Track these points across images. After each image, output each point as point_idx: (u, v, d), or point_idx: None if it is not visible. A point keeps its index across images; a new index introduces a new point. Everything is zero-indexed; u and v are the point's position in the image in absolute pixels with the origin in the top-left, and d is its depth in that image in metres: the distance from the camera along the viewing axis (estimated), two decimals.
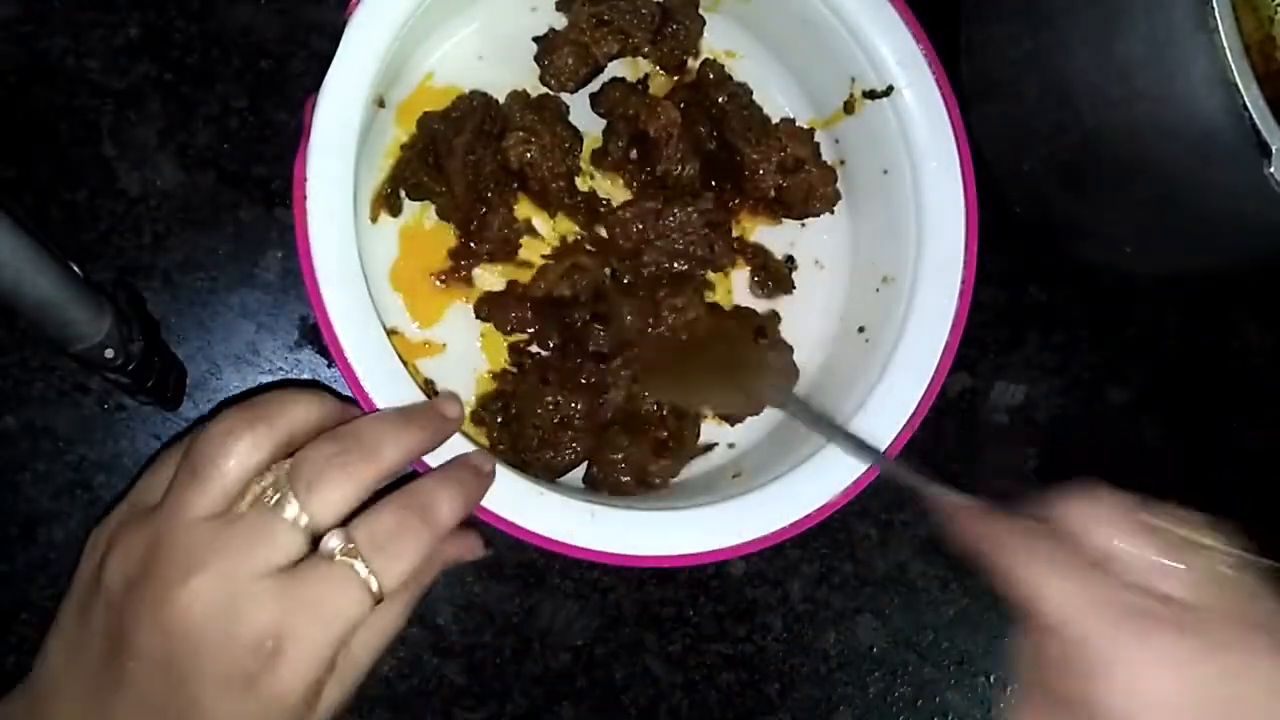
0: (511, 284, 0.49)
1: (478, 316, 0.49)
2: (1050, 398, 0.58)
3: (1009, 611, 0.32)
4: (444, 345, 0.49)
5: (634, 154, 0.51)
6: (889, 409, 0.47)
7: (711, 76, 0.51)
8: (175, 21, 0.49)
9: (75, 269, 0.40)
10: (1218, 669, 0.29)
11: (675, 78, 0.52)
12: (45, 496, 0.46)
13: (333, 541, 0.33)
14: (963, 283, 0.48)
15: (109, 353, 0.41)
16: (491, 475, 0.41)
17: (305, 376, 0.49)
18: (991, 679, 0.57)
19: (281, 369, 0.49)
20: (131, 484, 0.37)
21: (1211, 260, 0.51)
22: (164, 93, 0.48)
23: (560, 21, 0.50)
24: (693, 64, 0.52)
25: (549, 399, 0.46)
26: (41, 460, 0.46)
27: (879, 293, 0.51)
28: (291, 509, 0.33)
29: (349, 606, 0.33)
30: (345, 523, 0.34)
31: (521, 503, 0.42)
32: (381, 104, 0.46)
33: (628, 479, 0.47)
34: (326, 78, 0.42)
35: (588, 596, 0.51)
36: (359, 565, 0.33)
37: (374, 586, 0.33)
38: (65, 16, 0.48)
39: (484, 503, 0.41)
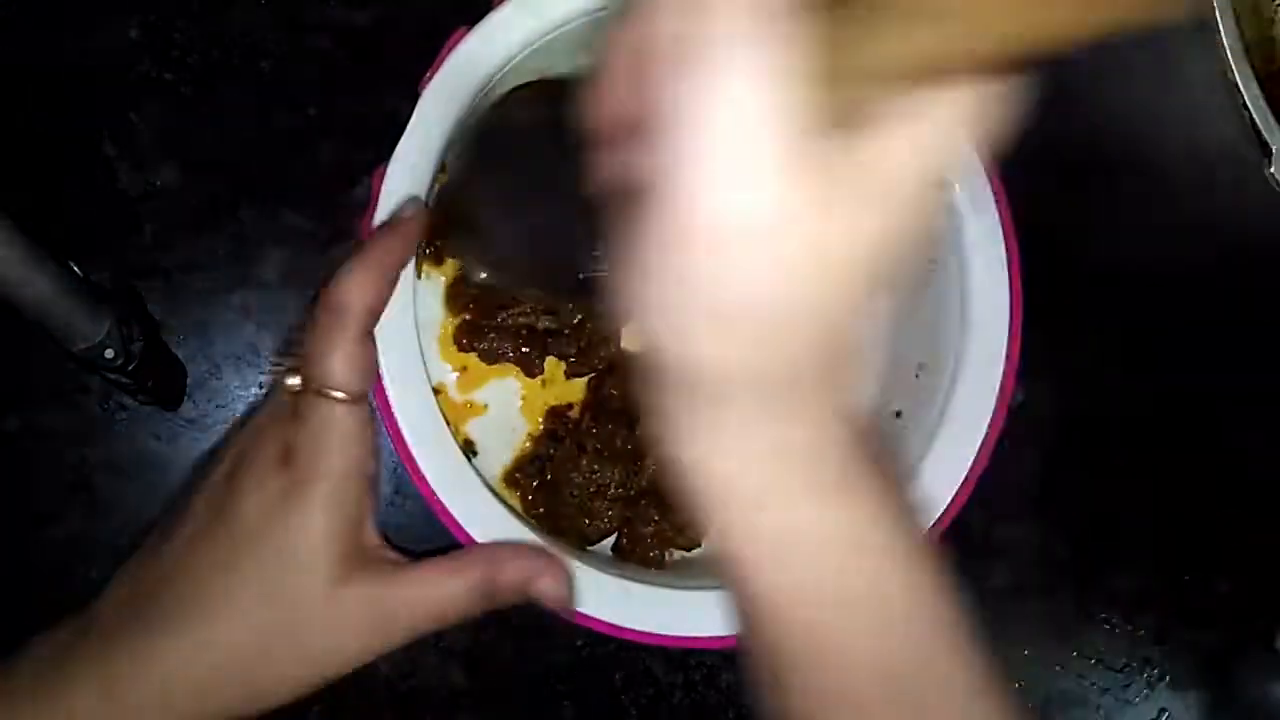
0: (493, 313, 0.48)
1: (459, 349, 0.48)
2: (1050, 398, 0.58)
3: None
4: (485, 406, 0.49)
5: None
6: (929, 494, 0.47)
7: None
8: (175, 21, 0.49)
9: (75, 269, 0.40)
10: None
11: None
12: (45, 496, 0.46)
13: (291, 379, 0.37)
14: (1004, 377, 0.48)
15: (109, 353, 0.41)
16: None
17: None
18: None
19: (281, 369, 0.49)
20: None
21: (1211, 260, 0.51)
22: (164, 93, 0.48)
23: None
24: None
25: (585, 467, 0.47)
26: (41, 460, 0.46)
27: (918, 379, 0.51)
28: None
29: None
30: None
31: None
32: (444, 169, 0.46)
33: (655, 553, 0.48)
34: (398, 146, 0.41)
35: None
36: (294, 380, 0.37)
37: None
38: (65, 16, 0.48)
39: None
